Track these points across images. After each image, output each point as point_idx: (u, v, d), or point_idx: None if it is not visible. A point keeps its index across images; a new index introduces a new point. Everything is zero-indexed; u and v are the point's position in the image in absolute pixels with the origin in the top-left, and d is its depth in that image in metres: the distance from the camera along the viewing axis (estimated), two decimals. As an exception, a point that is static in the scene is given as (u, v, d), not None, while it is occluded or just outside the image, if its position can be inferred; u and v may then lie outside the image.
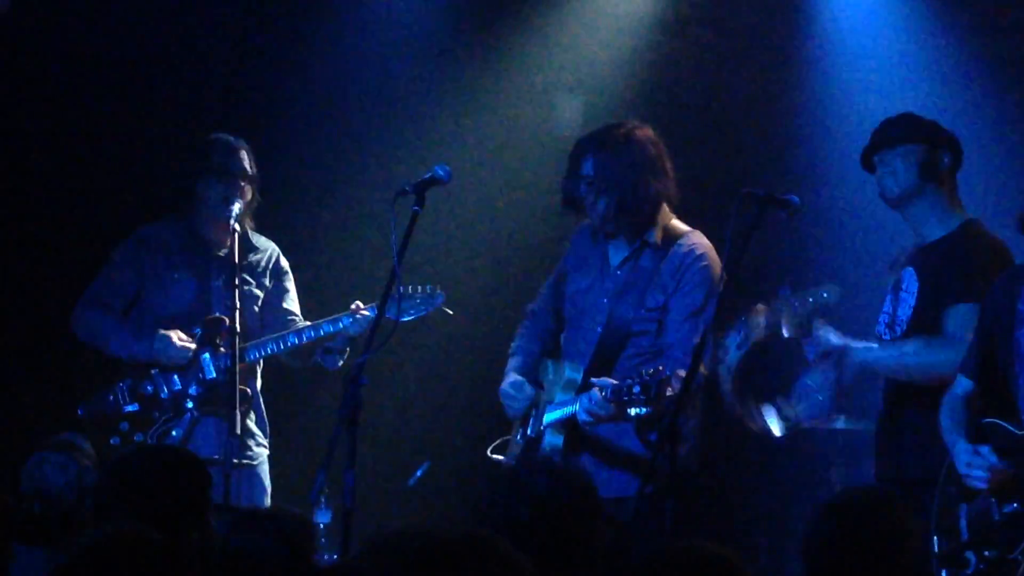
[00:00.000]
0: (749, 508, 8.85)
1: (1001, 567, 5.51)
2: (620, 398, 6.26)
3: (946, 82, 8.62)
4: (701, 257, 6.69)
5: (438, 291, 7.27)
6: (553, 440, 6.66)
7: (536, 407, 6.77)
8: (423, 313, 7.24)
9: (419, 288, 7.22)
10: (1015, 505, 5.51)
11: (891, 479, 6.30)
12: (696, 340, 6.31)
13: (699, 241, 6.75)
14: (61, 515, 5.69)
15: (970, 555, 5.63)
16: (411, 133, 8.87)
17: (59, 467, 5.87)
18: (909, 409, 6.30)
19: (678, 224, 6.80)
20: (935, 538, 5.79)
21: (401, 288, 6.71)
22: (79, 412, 7.43)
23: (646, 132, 6.78)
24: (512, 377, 6.86)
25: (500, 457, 6.92)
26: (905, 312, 6.36)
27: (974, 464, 5.60)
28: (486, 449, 6.95)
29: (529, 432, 6.75)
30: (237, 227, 7.35)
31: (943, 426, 5.84)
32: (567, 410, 6.59)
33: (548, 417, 6.68)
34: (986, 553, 5.58)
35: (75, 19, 8.54)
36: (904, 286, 6.42)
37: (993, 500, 5.58)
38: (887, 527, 4.46)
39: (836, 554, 4.41)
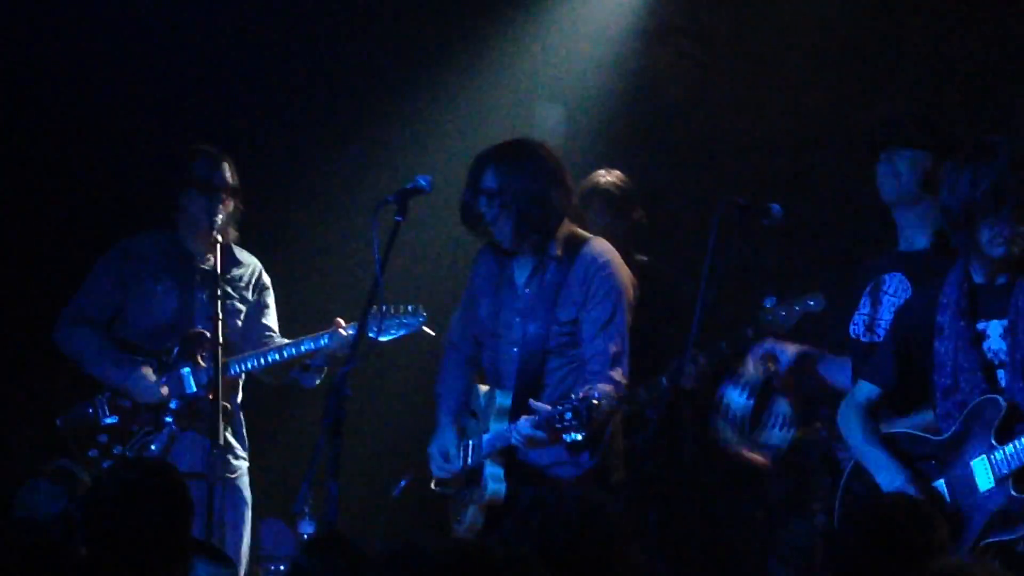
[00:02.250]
0: (737, 520, 8.84)
1: None
2: (553, 425, 6.29)
3: (929, 85, 8.63)
4: (605, 265, 6.66)
5: (420, 310, 7.22)
6: (494, 470, 6.65)
7: (472, 436, 6.77)
8: (404, 333, 7.21)
9: (400, 307, 7.19)
10: None
11: None
12: (612, 350, 6.47)
13: (602, 248, 6.73)
14: (49, 546, 5.65)
15: None
16: (394, 143, 8.85)
17: (51, 497, 5.83)
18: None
19: (578, 231, 6.77)
20: None
21: (384, 307, 6.74)
22: (57, 423, 7.42)
23: (545, 146, 6.77)
24: (441, 438, 6.84)
25: (442, 489, 6.91)
26: (890, 315, 6.31)
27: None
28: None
29: (469, 463, 6.74)
30: (220, 239, 7.35)
31: (857, 434, 5.84)
32: (503, 438, 6.59)
33: (487, 448, 6.68)
34: None
35: (55, 30, 8.52)
36: (890, 290, 6.40)
37: None
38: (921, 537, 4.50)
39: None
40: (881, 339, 6.27)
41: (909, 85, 8.59)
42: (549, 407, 6.36)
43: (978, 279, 5.63)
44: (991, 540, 5.46)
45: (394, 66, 8.96)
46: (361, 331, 6.42)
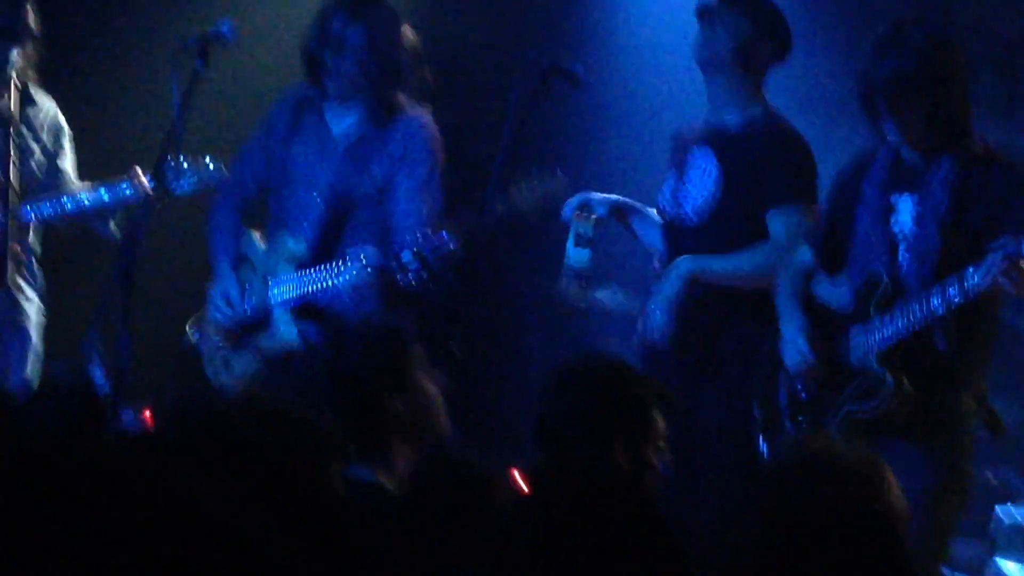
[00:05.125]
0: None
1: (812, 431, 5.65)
2: (389, 265, 6.19)
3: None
4: (426, 128, 6.64)
5: (221, 166, 7.04)
6: (281, 315, 6.55)
7: (248, 284, 6.66)
8: (202, 187, 7.06)
9: (199, 160, 7.02)
10: (817, 388, 5.70)
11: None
12: (426, 210, 6.37)
13: (424, 117, 6.70)
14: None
15: (787, 422, 5.78)
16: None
17: None
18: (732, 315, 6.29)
19: (402, 99, 6.72)
20: (755, 405, 5.94)
21: (182, 158, 6.66)
22: None
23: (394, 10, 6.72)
24: (223, 282, 6.70)
25: (198, 339, 6.82)
26: (701, 194, 6.33)
27: (801, 348, 5.71)
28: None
29: (247, 309, 6.64)
30: (17, 80, 7.22)
31: (782, 289, 5.88)
32: (301, 285, 6.49)
33: (277, 293, 6.57)
34: (800, 418, 5.73)
35: None
36: (698, 164, 6.36)
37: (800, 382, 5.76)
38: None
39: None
40: (693, 219, 6.32)
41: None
42: (377, 251, 6.28)
43: (903, 153, 5.62)
44: (850, 409, 5.57)
45: None
46: (158, 188, 6.36)
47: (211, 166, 7.04)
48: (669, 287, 6.25)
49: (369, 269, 6.25)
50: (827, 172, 6.25)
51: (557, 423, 4.72)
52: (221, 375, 6.71)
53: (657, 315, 6.27)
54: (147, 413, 6.67)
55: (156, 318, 7.50)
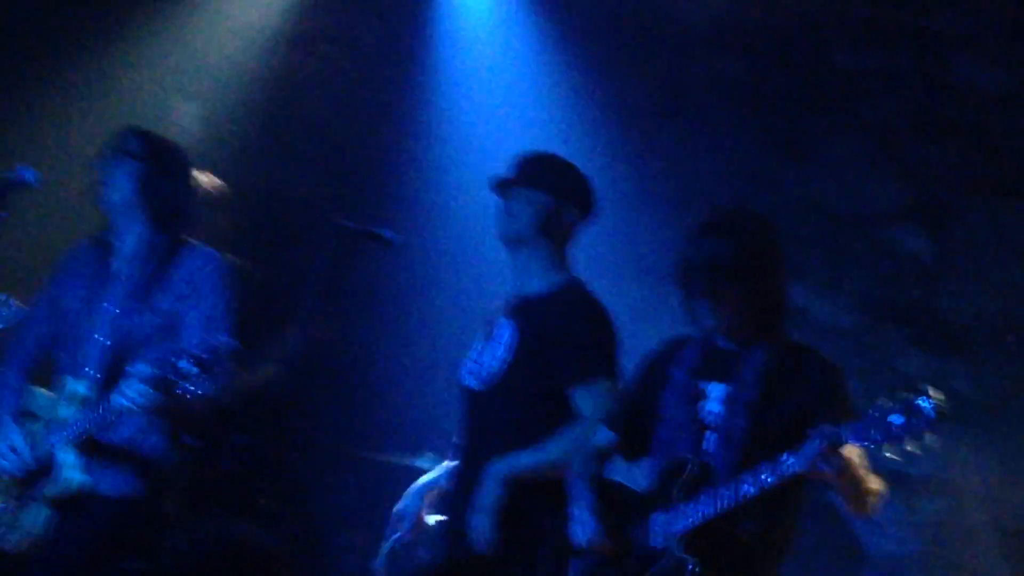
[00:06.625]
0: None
1: None
2: (167, 376, 5.93)
3: (577, 112, 8.64)
4: (213, 260, 6.49)
5: (13, 302, 6.83)
6: (65, 456, 6.29)
7: (32, 435, 6.41)
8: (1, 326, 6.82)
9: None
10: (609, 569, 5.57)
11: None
12: (217, 343, 6.04)
13: (209, 249, 6.56)
14: None
15: None
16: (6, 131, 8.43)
17: None
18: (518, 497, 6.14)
19: (188, 238, 6.57)
20: None
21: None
22: None
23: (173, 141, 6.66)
24: (3, 431, 6.45)
25: None
26: (492, 362, 6.23)
27: (586, 523, 5.58)
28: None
29: (32, 460, 6.37)
30: None
31: (573, 470, 5.77)
32: (82, 421, 6.23)
33: (58, 435, 6.31)
34: None
35: None
36: (498, 333, 6.29)
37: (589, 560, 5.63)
38: None
39: None
40: (486, 385, 6.20)
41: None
42: (153, 361, 5.99)
43: (715, 340, 5.55)
44: None
45: (12, 48, 8.54)
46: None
47: (7, 306, 6.77)
48: (487, 496, 6.11)
49: (148, 382, 5.96)
50: (647, 337, 6.18)
51: None
52: (8, 535, 6.44)
53: (483, 526, 6.13)
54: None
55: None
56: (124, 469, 6.33)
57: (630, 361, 6.04)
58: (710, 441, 5.49)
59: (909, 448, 5.01)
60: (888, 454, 5.02)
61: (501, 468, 6.11)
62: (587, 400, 6.09)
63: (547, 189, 6.23)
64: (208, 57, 8.89)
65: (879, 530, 8.29)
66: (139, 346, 6.38)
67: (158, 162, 6.46)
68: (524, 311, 6.25)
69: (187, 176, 6.59)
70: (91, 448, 6.29)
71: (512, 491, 6.10)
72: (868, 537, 8.30)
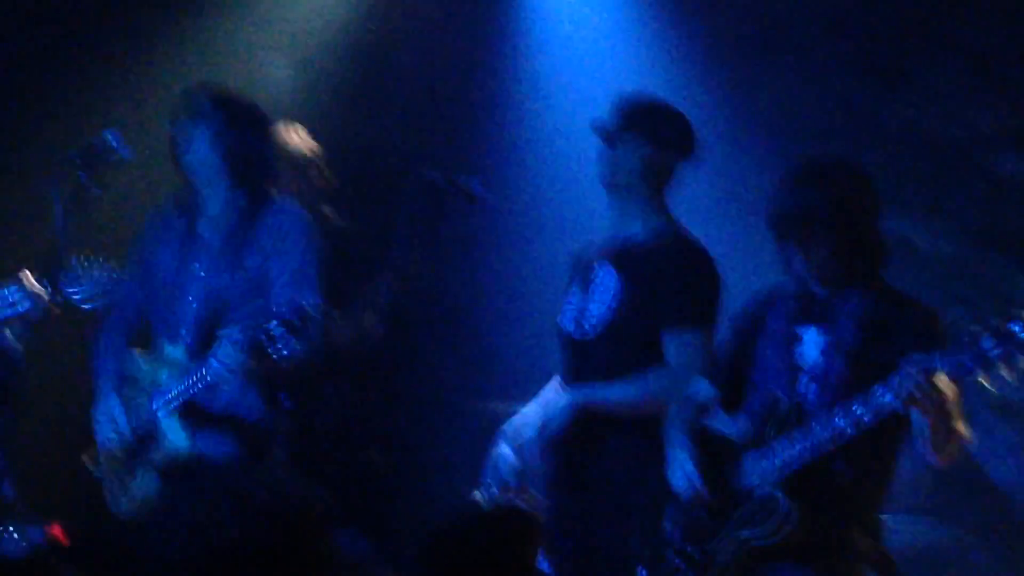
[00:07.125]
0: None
1: (700, 560, 5.49)
2: (260, 342, 5.95)
3: (672, 50, 8.57)
4: (300, 217, 6.51)
5: (114, 269, 6.82)
6: (169, 423, 6.37)
7: (133, 401, 6.50)
8: (95, 294, 6.80)
9: (92, 264, 6.79)
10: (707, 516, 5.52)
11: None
12: (304, 303, 6.03)
13: (292, 204, 6.60)
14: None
15: (671, 554, 5.57)
16: (81, 93, 8.39)
17: None
18: (612, 438, 6.16)
19: (271, 191, 6.60)
20: (634, 536, 5.81)
21: (75, 263, 6.46)
22: None
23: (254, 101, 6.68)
24: (105, 402, 6.55)
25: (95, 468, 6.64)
26: (599, 310, 6.20)
27: (689, 473, 5.56)
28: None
29: (135, 425, 6.46)
30: None
31: (672, 419, 5.76)
32: (181, 386, 6.30)
33: (159, 401, 6.39)
34: (688, 550, 5.53)
35: None
36: (598, 280, 6.25)
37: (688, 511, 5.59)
38: None
39: None
40: (590, 334, 6.19)
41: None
42: (243, 327, 6.03)
43: (810, 286, 5.52)
44: (742, 535, 5.38)
45: (98, 8, 8.51)
46: (52, 286, 6.24)
47: (106, 271, 6.79)
48: (555, 420, 6.16)
49: (239, 346, 6.02)
50: (735, 280, 6.17)
51: None
52: (121, 502, 6.53)
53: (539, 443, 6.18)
54: (56, 530, 6.48)
55: (45, 434, 7.32)
56: (226, 432, 6.39)
57: (732, 302, 6.03)
58: (805, 384, 5.47)
59: (1004, 375, 4.93)
60: (983, 381, 4.95)
61: (577, 399, 6.13)
62: (673, 347, 6.09)
63: (652, 136, 6.23)
64: (298, 11, 8.87)
65: (998, 461, 8.18)
66: (230, 307, 6.43)
67: (232, 120, 6.45)
68: (627, 259, 6.23)
69: (264, 131, 6.59)
70: (193, 413, 6.37)
71: (591, 425, 6.11)
72: (990, 468, 8.19)
